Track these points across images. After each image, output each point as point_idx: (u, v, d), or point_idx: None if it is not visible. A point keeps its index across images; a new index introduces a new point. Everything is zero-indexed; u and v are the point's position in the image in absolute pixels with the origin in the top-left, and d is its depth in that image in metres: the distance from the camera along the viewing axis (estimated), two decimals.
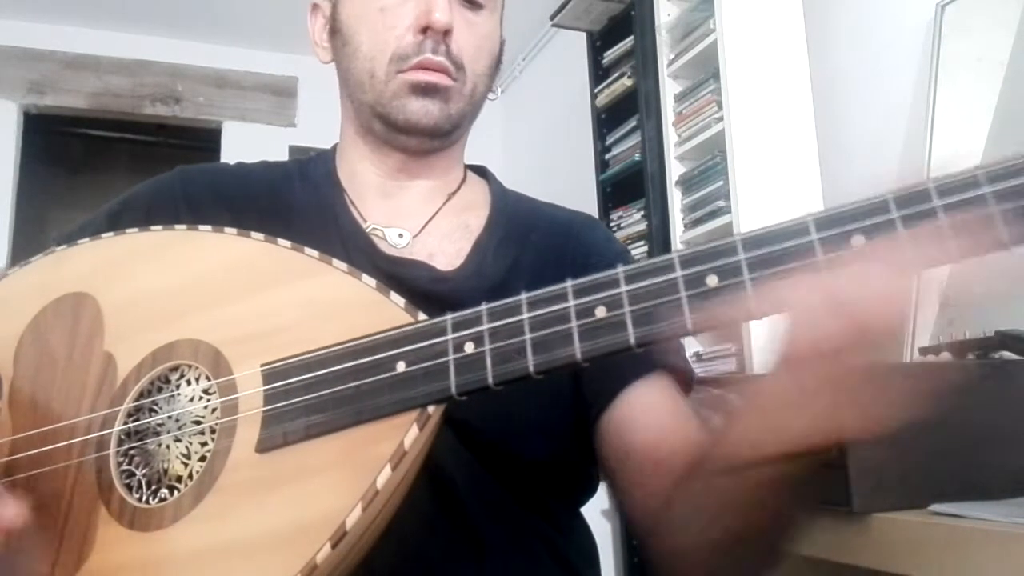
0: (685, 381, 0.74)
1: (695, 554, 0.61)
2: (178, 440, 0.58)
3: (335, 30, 0.78)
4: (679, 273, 0.46)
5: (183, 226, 0.66)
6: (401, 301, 0.56)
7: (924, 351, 1.14)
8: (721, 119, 1.93)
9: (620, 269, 0.48)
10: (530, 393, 0.69)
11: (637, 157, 2.32)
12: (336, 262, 0.59)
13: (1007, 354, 1.00)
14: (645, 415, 0.70)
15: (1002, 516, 0.75)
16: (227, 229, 0.64)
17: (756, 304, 0.45)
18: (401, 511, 0.55)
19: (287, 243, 0.61)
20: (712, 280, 0.45)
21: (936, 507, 0.82)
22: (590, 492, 0.79)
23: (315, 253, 0.60)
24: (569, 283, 0.49)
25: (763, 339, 1.77)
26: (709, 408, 1.21)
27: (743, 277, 0.45)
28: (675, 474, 0.64)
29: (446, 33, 0.73)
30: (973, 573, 0.75)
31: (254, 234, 0.62)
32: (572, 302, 0.49)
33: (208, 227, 0.65)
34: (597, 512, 2.39)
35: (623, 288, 0.48)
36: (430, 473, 0.66)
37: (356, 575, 0.54)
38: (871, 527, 0.84)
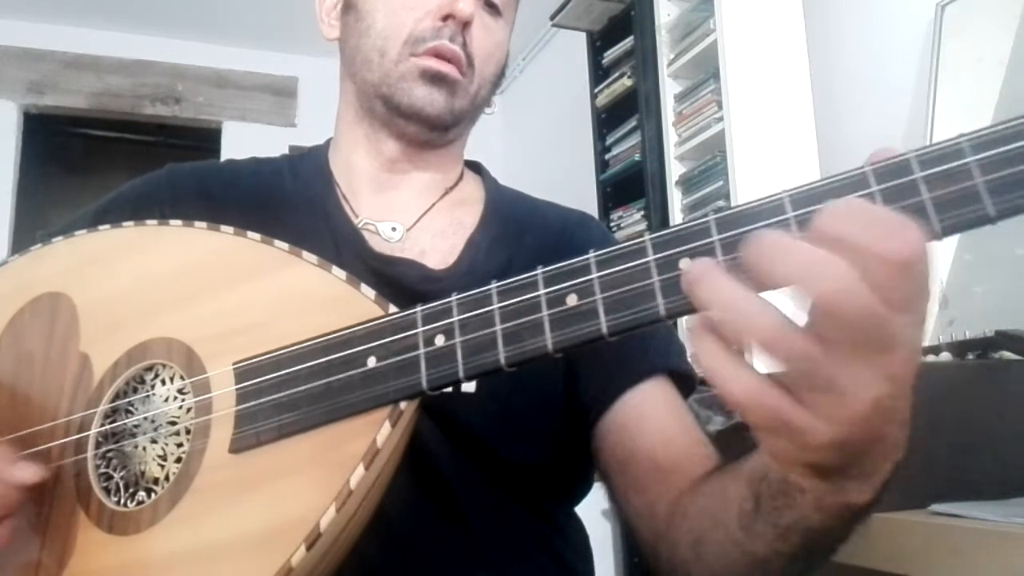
0: (687, 383, 0.73)
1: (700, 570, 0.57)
2: (154, 441, 0.57)
3: (350, 5, 0.77)
4: (651, 257, 0.44)
5: (154, 221, 0.65)
6: (372, 293, 0.54)
7: (924, 351, 1.14)
8: (721, 119, 1.93)
9: (591, 254, 0.46)
10: (523, 397, 0.68)
11: (637, 157, 2.32)
12: (306, 254, 0.58)
13: (1007, 354, 1.00)
14: (647, 420, 0.68)
15: (1002, 516, 0.75)
16: (197, 223, 0.62)
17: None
18: (388, 509, 0.54)
19: (256, 236, 0.60)
20: (685, 263, 0.43)
21: (936, 507, 0.81)
22: (586, 491, 0.78)
23: (284, 246, 0.59)
24: (540, 270, 0.47)
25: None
26: (708, 408, 1.21)
27: (716, 259, 0.42)
28: (678, 484, 0.62)
29: (465, 26, 0.72)
30: (973, 573, 0.75)
31: (224, 228, 0.61)
32: (542, 290, 0.47)
33: (179, 222, 0.63)
34: (597, 512, 2.38)
35: (594, 274, 0.45)
36: (424, 474, 0.65)
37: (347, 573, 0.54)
38: (871, 527, 0.83)
